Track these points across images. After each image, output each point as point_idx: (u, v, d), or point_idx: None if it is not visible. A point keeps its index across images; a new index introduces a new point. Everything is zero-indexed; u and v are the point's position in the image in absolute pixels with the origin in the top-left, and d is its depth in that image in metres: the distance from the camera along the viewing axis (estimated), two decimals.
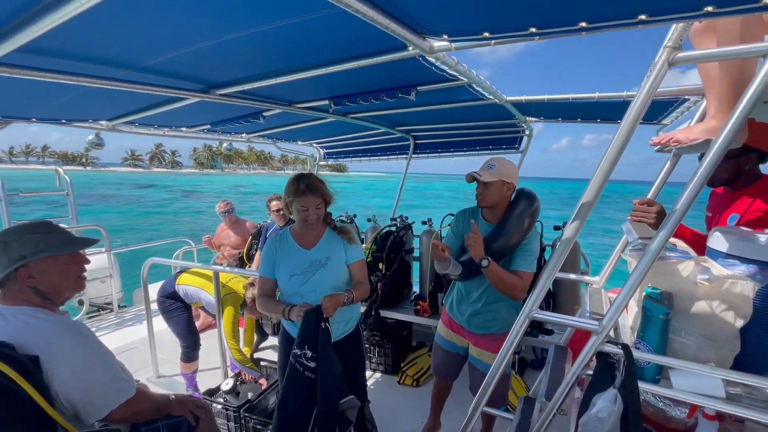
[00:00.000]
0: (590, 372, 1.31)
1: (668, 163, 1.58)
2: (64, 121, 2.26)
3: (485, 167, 1.84)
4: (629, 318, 1.58)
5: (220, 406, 2.38)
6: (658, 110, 2.39)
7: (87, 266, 1.38)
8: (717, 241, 1.32)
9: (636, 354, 1.22)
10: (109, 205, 37.32)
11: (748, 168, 1.50)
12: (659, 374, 1.27)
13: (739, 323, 1.13)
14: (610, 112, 2.49)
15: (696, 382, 1.15)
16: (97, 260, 4.76)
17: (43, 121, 2.15)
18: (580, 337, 1.88)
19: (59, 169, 4.92)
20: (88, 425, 1.22)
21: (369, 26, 1.09)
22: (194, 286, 2.85)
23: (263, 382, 2.68)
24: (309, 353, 1.65)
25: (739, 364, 1.14)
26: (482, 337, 1.97)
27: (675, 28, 1.05)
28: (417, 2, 1.00)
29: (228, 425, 2.35)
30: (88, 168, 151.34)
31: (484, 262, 1.69)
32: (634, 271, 1.17)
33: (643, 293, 1.30)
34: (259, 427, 2.24)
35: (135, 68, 1.54)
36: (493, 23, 1.04)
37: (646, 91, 1.13)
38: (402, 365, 3.29)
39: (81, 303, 4.64)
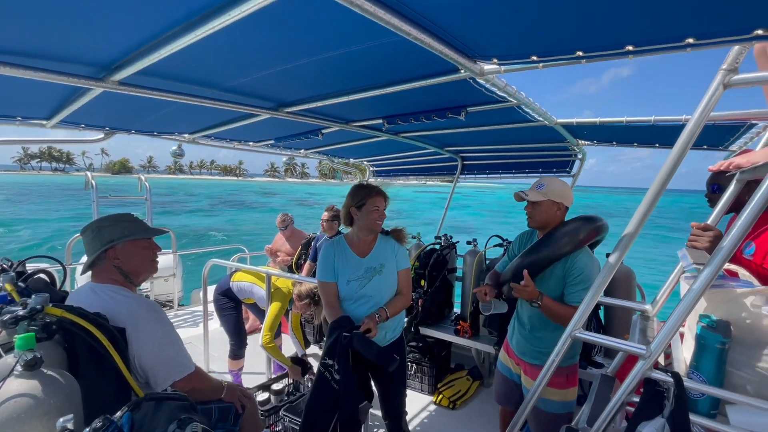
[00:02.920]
0: (636, 400, 1.26)
1: (731, 188, 1.51)
2: (155, 133, 2.62)
3: (534, 187, 1.86)
4: (685, 352, 1.49)
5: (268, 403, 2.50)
6: (724, 135, 2.25)
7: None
8: None
9: (688, 384, 1.16)
10: (242, 209, 47.42)
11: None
12: (715, 409, 1.19)
13: None
14: (668, 137, 2.37)
15: (758, 420, 1.08)
16: (164, 260, 5.25)
17: (140, 133, 2.51)
18: (629, 367, 1.78)
19: (142, 177, 5.56)
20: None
21: (424, 51, 1.21)
22: (248, 281, 3.10)
23: (297, 376, 2.75)
24: (336, 365, 1.75)
25: None
26: (532, 367, 1.90)
27: (731, 51, 1.05)
28: (469, 29, 1.10)
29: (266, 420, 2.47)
30: (240, 178, 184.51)
31: (535, 304, 1.74)
32: (687, 295, 1.13)
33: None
34: (294, 427, 2.33)
35: (220, 88, 1.80)
36: (541, 47, 1.10)
37: (699, 114, 1.13)
38: (439, 386, 3.24)
39: (147, 297, 5.12)
